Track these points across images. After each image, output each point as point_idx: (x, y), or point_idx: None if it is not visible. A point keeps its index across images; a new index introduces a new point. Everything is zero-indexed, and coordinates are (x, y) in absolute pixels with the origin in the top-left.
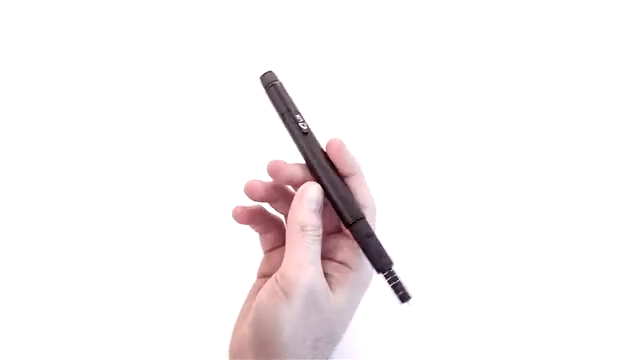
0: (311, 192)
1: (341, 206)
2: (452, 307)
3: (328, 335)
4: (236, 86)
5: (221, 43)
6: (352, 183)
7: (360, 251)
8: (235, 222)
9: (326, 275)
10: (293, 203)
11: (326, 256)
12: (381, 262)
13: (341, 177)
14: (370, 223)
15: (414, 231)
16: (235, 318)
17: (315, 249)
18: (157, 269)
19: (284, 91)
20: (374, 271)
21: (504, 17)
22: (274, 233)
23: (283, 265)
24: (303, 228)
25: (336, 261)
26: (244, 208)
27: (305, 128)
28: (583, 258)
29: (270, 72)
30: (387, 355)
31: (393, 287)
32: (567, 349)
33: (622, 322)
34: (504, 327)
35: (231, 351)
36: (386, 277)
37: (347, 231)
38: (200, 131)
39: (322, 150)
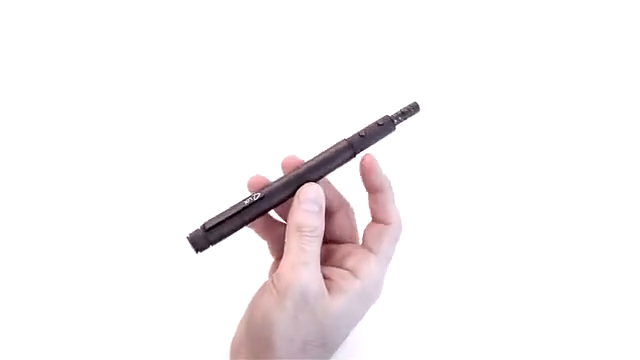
0: (310, 193)
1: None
2: (451, 308)
3: (319, 339)
4: (235, 86)
5: (221, 43)
6: (380, 199)
7: (369, 262)
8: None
9: (329, 279)
10: (292, 203)
11: (336, 264)
12: (385, 123)
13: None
14: (394, 238)
15: (413, 231)
16: (238, 318)
17: (311, 250)
18: (160, 269)
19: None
20: (382, 286)
21: (502, 18)
22: (281, 243)
23: (280, 265)
24: (299, 229)
25: (344, 268)
26: None
27: (257, 197)
28: (582, 258)
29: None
30: (386, 355)
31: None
32: (566, 349)
33: (621, 322)
34: (503, 328)
35: (231, 349)
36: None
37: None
38: (198, 131)
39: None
